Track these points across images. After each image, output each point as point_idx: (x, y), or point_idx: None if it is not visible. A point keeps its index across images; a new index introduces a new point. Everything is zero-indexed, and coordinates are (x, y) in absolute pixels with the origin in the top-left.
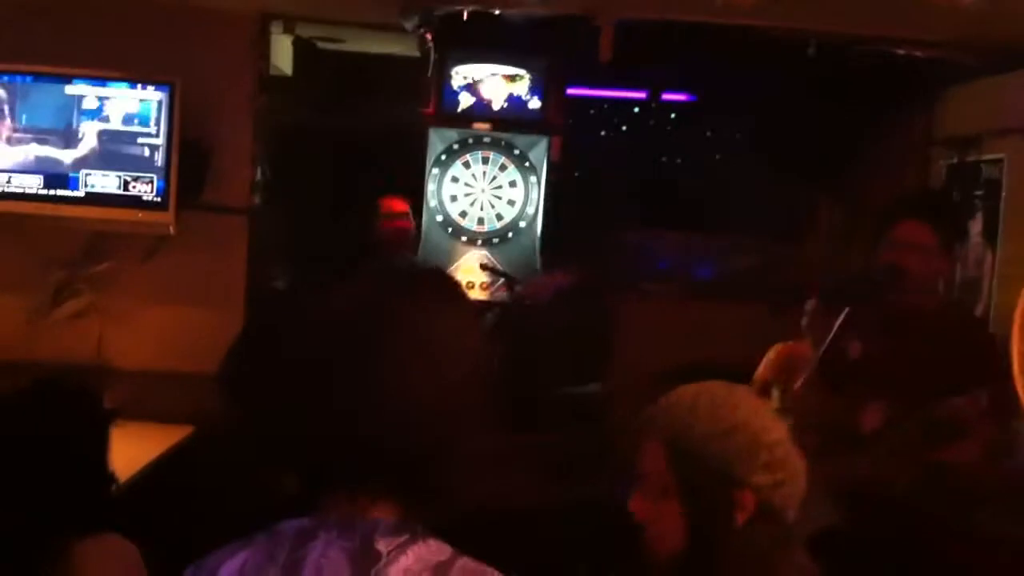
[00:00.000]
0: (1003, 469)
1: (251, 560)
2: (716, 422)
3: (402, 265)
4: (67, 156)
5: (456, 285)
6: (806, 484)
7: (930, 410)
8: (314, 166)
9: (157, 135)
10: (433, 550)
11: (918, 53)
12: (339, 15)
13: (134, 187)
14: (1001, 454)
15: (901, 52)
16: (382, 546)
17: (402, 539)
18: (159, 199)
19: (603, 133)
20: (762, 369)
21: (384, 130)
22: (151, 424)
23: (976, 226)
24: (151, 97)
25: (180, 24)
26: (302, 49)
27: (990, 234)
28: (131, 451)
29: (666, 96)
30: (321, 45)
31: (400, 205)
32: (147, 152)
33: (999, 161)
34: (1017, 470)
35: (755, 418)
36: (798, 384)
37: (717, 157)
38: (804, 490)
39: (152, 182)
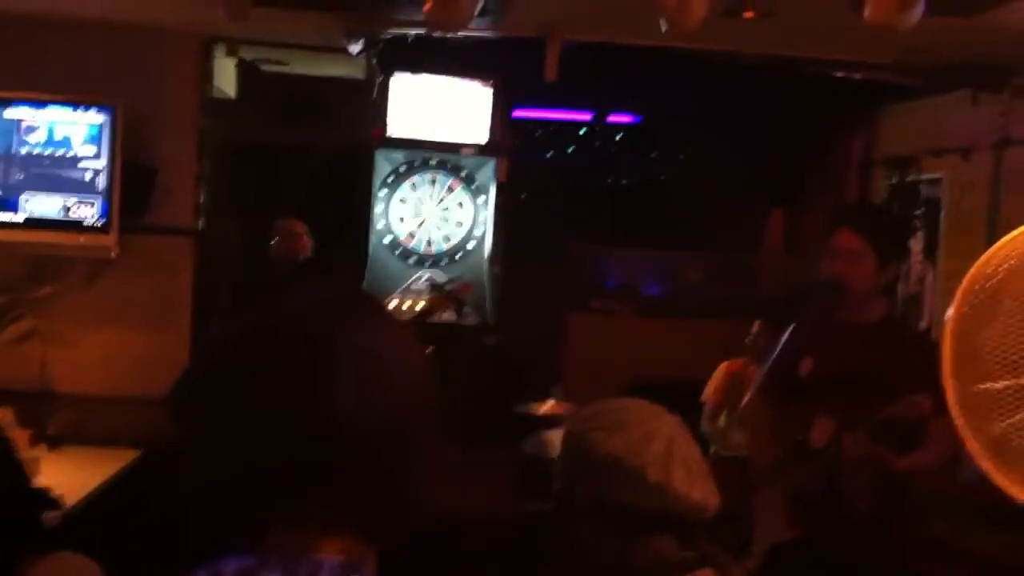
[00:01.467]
0: (960, 481)
1: None
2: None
3: (334, 287)
4: (7, 180)
5: (385, 307)
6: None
7: (876, 417)
8: (260, 188)
9: (99, 158)
10: None
11: (858, 75)
12: (283, 38)
13: (76, 211)
14: (956, 464)
15: (841, 74)
16: None
17: None
18: (101, 222)
19: (549, 154)
20: (710, 390)
21: (330, 152)
22: (96, 449)
23: (917, 244)
24: (93, 120)
25: (123, 47)
26: (246, 71)
27: (930, 252)
28: (77, 476)
29: (612, 118)
30: (265, 67)
31: (299, 226)
32: (89, 175)
33: (938, 181)
34: (974, 482)
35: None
36: (744, 402)
37: (662, 177)
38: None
39: (94, 205)
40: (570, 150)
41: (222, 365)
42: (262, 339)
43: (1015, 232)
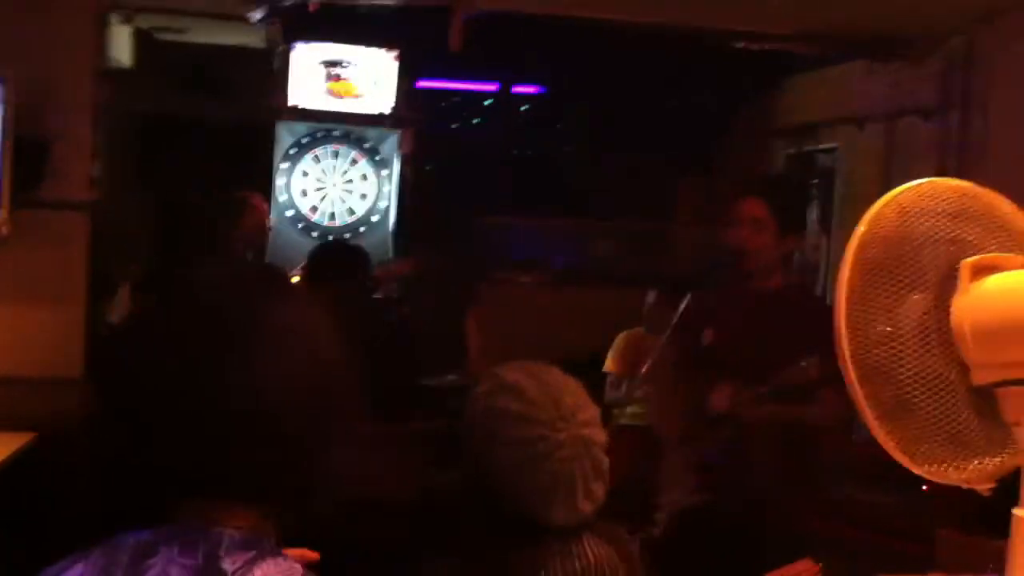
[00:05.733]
0: (857, 441)
1: (85, 575)
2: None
3: (242, 263)
4: None
5: (292, 282)
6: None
7: (773, 379)
8: (158, 160)
9: None
10: (282, 568)
11: (759, 46)
12: (181, 5)
13: None
14: (846, 423)
15: (743, 45)
16: (227, 564)
17: (249, 555)
18: None
19: (454, 126)
20: (610, 361)
21: (230, 123)
22: None
23: (812, 213)
24: None
25: (13, 16)
26: (142, 40)
27: (825, 220)
28: None
29: (517, 89)
30: (162, 36)
31: (262, 203)
32: None
33: (833, 150)
34: (863, 444)
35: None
36: (643, 370)
37: (568, 149)
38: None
39: None
40: (475, 121)
41: (132, 341)
42: (170, 316)
43: (885, 198)
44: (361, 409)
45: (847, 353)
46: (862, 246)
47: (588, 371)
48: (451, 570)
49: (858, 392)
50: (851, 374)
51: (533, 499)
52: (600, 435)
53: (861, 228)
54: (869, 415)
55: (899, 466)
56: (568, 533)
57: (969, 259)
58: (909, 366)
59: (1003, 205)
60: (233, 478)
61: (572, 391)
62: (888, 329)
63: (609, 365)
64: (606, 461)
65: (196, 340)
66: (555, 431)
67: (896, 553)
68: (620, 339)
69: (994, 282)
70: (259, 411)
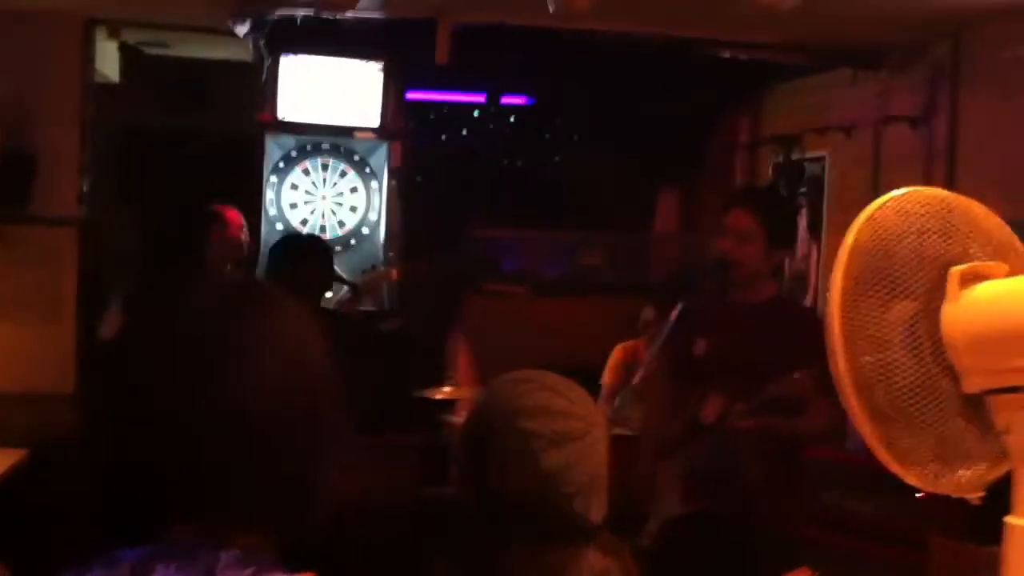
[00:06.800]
0: (846, 451)
1: None
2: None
3: (230, 279)
4: None
5: (285, 297)
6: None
7: (762, 392)
8: (146, 174)
9: None
10: None
11: (744, 55)
12: (167, 19)
13: None
14: (837, 433)
15: (728, 55)
16: None
17: (248, 572)
18: None
19: (443, 137)
20: (606, 374)
21: (219, 137)
22: None
23: (802, 221)
24: None
25: (0, 31)
26: (129, 55)
27: (815, 229)
28: None
29: (505, 99)
30: (148, 51)
31: (237, 216)
32: None
33: (821, 159)
34: (856, 452)
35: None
36: (635, 381)
37: (556, 159)
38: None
39: None
40: (464, 132)
41: (124, 360)
42: (163, 334)
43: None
44: (352, 423)
45: (841, 362)
46: (853, 254)
47: (582, 381)
48: None
49: (852, 401)
50: (845, 383)
51: (580, 496)
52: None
53: (850, 237)
54: (863, 423)
55: (891, 474)
56: (571, 542)
57: (958, 267)
58: (902, 374)
59: (984, 214)
60: (230, 497)
61: (587, 393)
62: (881, 337)
63: (605, 377)
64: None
65: (188, 360)
66: (593, 426)
67: (890, 560)
68: (616, 350)
69: (984, 290)
70: (256, 430)
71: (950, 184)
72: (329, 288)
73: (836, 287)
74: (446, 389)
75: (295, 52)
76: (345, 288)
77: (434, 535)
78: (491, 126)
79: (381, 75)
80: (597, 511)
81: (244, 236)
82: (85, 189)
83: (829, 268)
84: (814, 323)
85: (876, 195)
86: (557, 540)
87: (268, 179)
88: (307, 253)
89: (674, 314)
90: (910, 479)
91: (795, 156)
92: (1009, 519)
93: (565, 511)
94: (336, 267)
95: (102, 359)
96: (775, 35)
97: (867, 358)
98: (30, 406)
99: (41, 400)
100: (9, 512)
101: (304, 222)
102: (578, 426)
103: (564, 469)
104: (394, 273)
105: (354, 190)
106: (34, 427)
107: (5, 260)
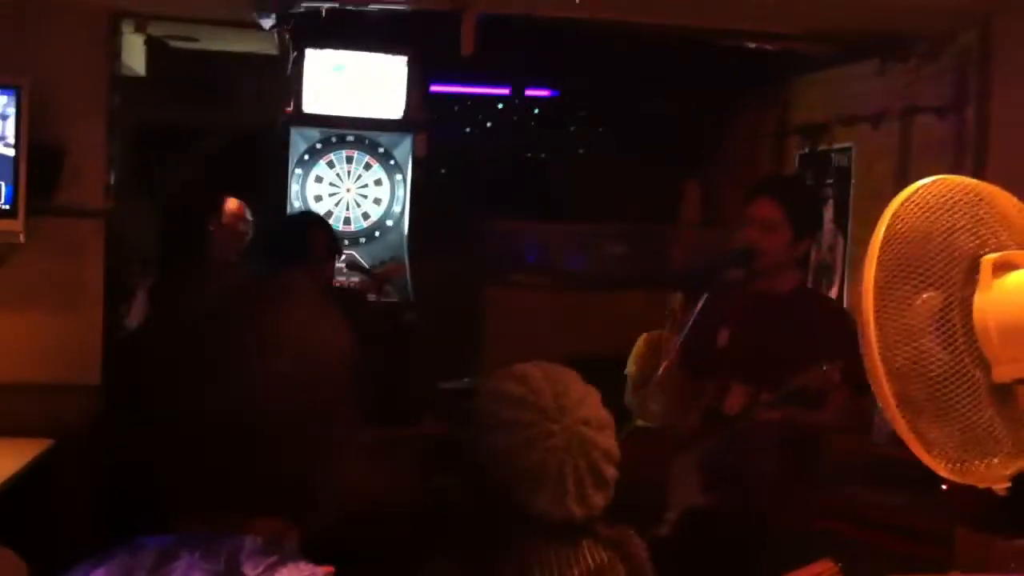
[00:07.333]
0: (868, 444)
1: None
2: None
3: (238, 273)
4: None
5: (311, 287)
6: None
7: (788, 383)
8: (171, 167)
9: (4, 140)
10: (304, 573)
11: (770, 46)
12: (192, 13)
13: None
14: (861, 426)
15: (753, 45)
16: (248, 569)
17: (270, 561)
18: (7, 206)
19: (467, 129)
20: (632, 363)
21: (244, 130)
22: (6, 439)
23: (828, 213)
24: None
25: (27, 24)
26: (155, 48)
27: (841, 220)
28: None
29: (529, 92)
30: (174, 44)
31: (237, 207)
32: None
33: (848, 149)
34: (881, 445)
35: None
36: (660, 371)
37: (580, 151)
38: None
39: (1, 189)
40: (488, 125)
41: (147, 352)
42: (185, 327)
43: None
44: (374, 414)
45: (875, 352)
46: (885, 244)
47: (606, 373)
48: (448, 571)
49: (886, 390)
50: (879, 373)
51: (519, 484)
52: (604, 441)
53: (882, 226)
54: (896, 413)
55: (916, 466)
56: (566, 537)
57: (990, 256)
58: (936, 364)
59: (1013, 202)
60: (253, 486)
61: (580, 393)
62: (914, 327)
63: (630, 366)
64: (611, 471)
65: (211, 351)
66: (550, 420)
67: (915, 554)
68: (641, 341)
69: (1016, 278)
70: (279, 421)
71: (979, 174)
72: (338, 252)
73: (869, 277)
74: (467, 380)
75: (320, 45)
76: (369, 279)
77: (434, 524)
78: (515, 118)
79: (405, 68)
80: (551, 505)
81: (244, 227)
82: (111, 182)
83: (856, 259)
84: (838, 314)
85: (903, 185)
86: (549, 535)
87: (293, 171)
88: (307, 222)
89: (699, 304)
90: (940, 470)
91: (821, 146)
92: None
93: (503, 498)
94: (360, 258)
95: (123, 355)
96: (802, 25)
97: (901, 348)
98: (56, 396)
99: (67, 391)
100: (34, 502)
101: (329, 214)
102: (528, 417)
103: (502, 455)
104: (401, 268)
105: (378, 182)
106: (60, 418)
107: (32, 252)
